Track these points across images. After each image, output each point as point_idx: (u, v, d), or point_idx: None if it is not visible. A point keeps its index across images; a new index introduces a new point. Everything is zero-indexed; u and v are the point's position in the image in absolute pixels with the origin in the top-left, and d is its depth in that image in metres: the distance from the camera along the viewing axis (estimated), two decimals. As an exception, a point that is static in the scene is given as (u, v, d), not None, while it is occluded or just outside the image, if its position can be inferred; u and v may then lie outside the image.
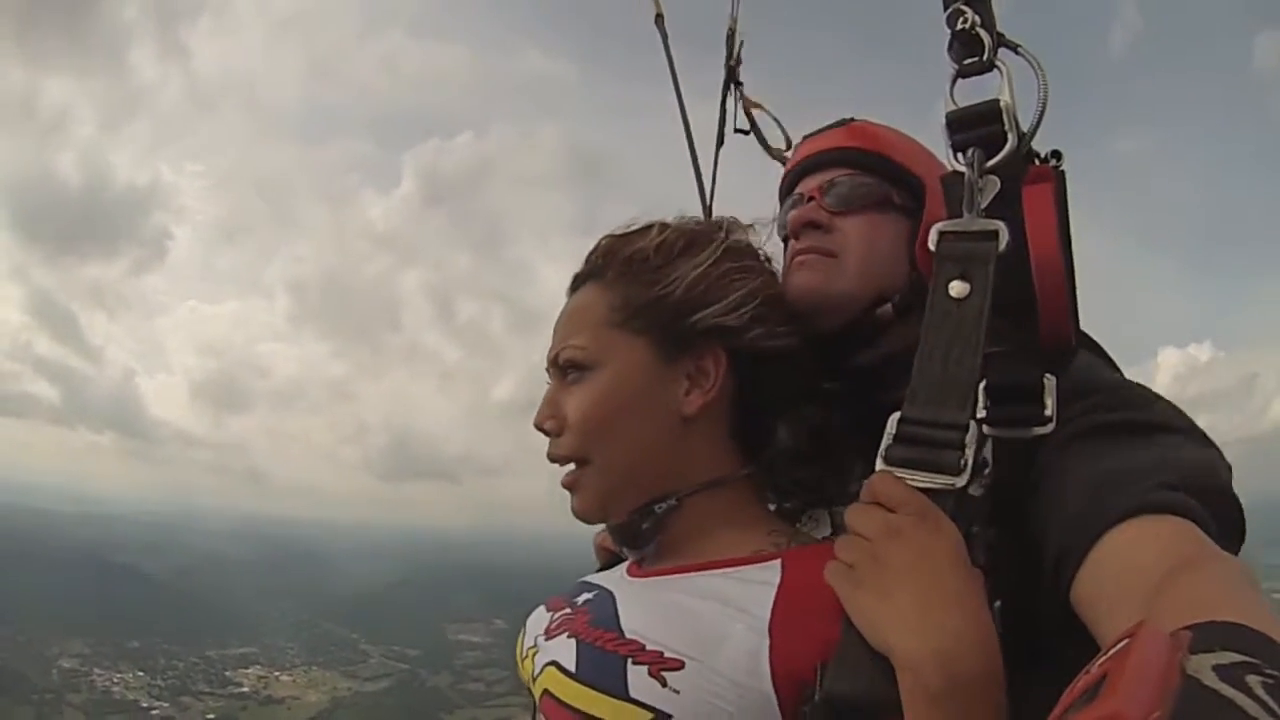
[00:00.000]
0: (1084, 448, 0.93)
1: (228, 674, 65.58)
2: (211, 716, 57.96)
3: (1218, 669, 0.42)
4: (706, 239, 1.23)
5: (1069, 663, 0.55)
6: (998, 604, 0.86)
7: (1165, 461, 0.88)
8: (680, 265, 1.18)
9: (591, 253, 1.26)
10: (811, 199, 1.29)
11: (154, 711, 57.17)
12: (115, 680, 60.89)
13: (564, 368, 1.18)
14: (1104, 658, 0.48)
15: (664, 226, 1.25)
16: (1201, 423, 0.96)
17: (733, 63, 1.93)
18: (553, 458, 1.19)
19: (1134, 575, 0.76)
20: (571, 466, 1.18)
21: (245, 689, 63.81)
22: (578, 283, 1.27)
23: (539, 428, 1.19)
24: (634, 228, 1.26)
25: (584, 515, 1.20)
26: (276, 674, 67.36)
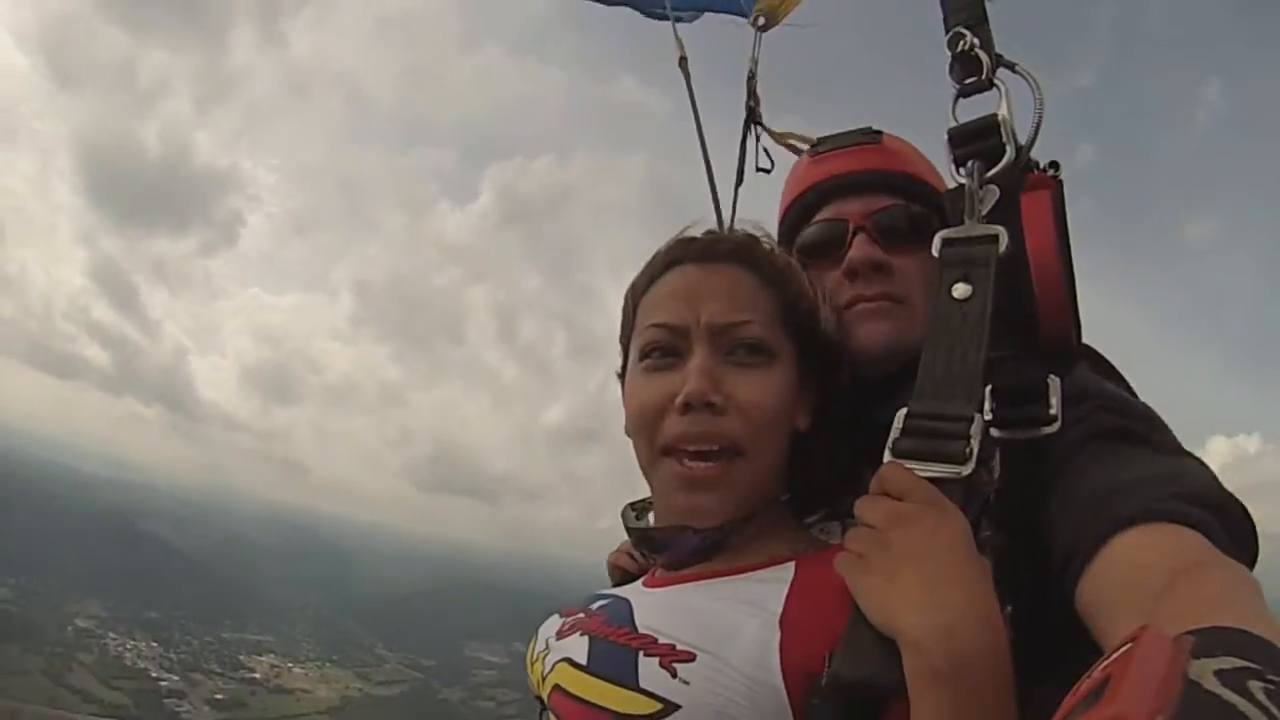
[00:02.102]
0: (1093, 453, 0.96)
1: (241, 658, 64.61)
2: (220, 697, 56.60)
3: (1220, 674, 0.42)
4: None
5: (1076, 666, 0.57)
6: (1009, 609, 0.86)
7: (1174, 473, 0.90)
8: (804, 282, 1.19)
9: (726, 240, 1.21)
10: (860, 229, 1.26)
11: (163, 683, 56.12)
12: (128, 647, 60.24)
13: (745, 341, 1.10)
14: (1107, 661, 0.48)
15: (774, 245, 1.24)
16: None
17: (752, 103, 1.96)
18: (705, 436, 1.07)
19: (1138, 580, 0.77)
20: (714, 457, 1.08)
21: (257, 675, 62.76)
22: (720, 257, 1.17)
23: (703, 400, 1.07)
24: (755, 233, 1.24)
25: (715, 515, 1.10)
26: (290, 665, 66.25)
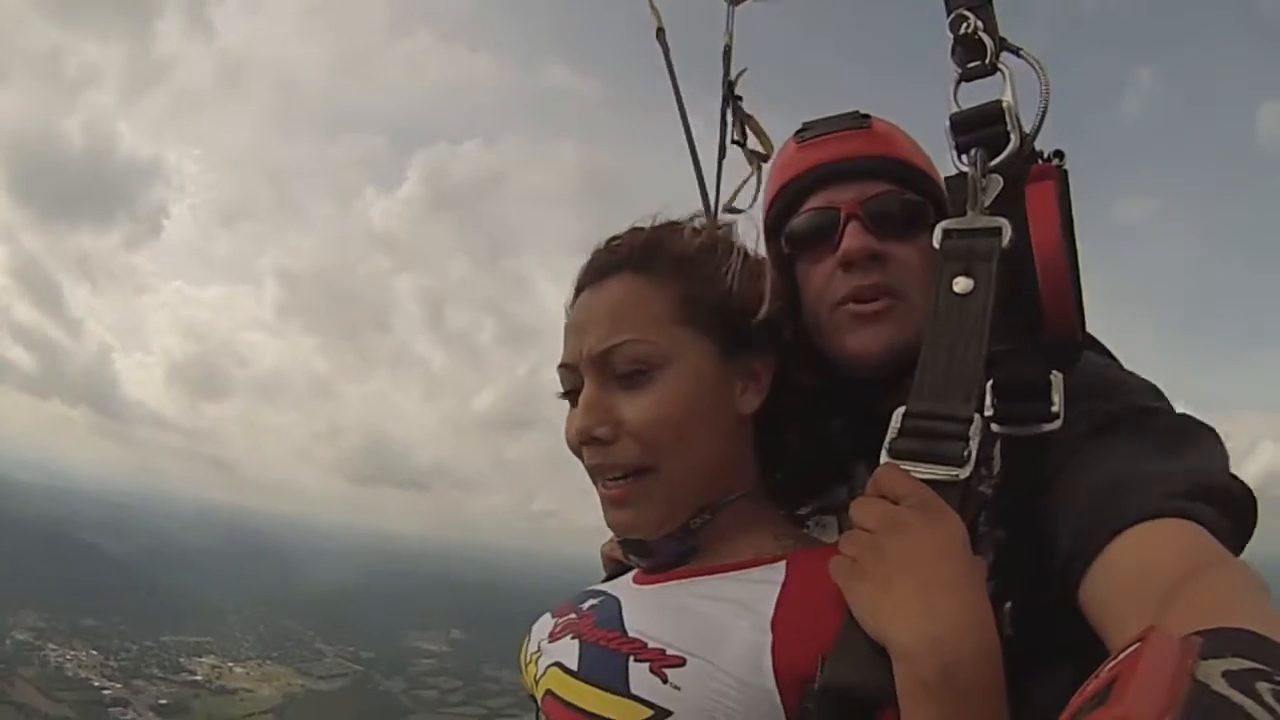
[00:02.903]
0: (1096, 449, 0.94)
1: (182, 660, 64.69)
2: (164, 702, 57.00)
3: (1227, 675, 0.42)
4: (732, 240, 1.21)
5: (1076, 665, 0.56)
6: (1008, 605, 0.87)
7: (1178, 467, 0.89)
8: (727, 263, 1.15)
9: (623, 245, 1.18)
10: (852, 218, 1.20)
11: (106, 692, 56.14)
12: (68, 657, 59.66)
13: (624, 367, 1.08)
14: (1114, 662, 0.48)
15: (695, 227, 1.21)
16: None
17: (731, 78, 1.95)
18: (604, 468, 1.10)
19: (1146, 579, 0.77)
20: (622, 478, 1.09)
21: (199, 677, 62.98)
22: (607, 272, 1.15)
23: (589, 437, 1.08)
24: (658, 223, 1.21)
25: (638, 527, 1.12)
26: (230, 665, 66.55)
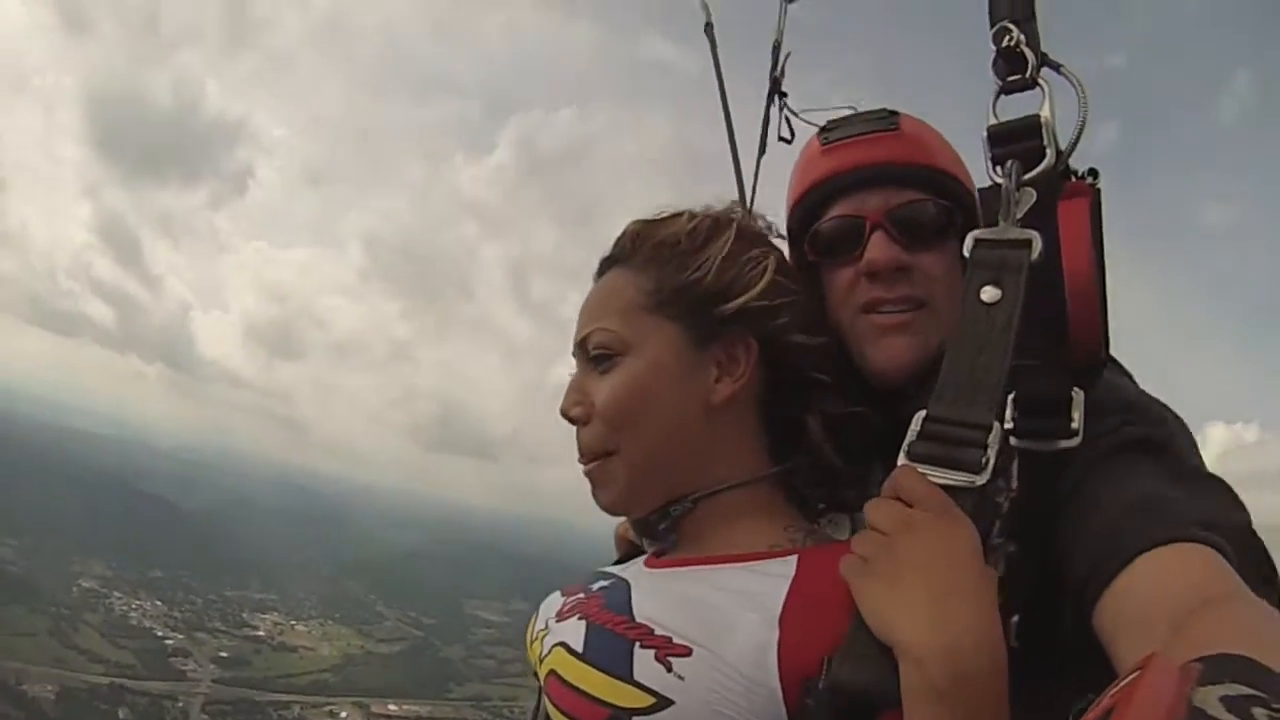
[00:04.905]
0: (1115, 469, 0.95)
1: (244, 616, 65.47)
2: (225, 654, 57.43)
3: (1224, 700, 0.43)
4: (728, 223, 1.19)
5: (1077, 682, 0.57)
6: (1014, 619, 0.86)
7: (1198, 497, 0.90)
8: (710, 249, 1.15)
9: (620, 238, 1.22)
10: (878, 227, 1.18)
11: (168, 641, 56.91)
12: (133, 606, 60.98)
13: (593, 352, 1.14)
14: (1114, 690, 0.49)
15: (693, 214, 1.20)
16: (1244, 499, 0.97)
17: (777, 74, 1.95)
18: (582, 449, 1.16)
19: (1160, 605, 0.77)
20: (593, 459, 1.15)
21: (260, 633, 63.66)
22: (605, 267, 1.22)
23: (566, 415, 1.16)
24: (663, 215, 1.22)
25: (609, 507, 1.18)
26: (293, 623, 67.19)
